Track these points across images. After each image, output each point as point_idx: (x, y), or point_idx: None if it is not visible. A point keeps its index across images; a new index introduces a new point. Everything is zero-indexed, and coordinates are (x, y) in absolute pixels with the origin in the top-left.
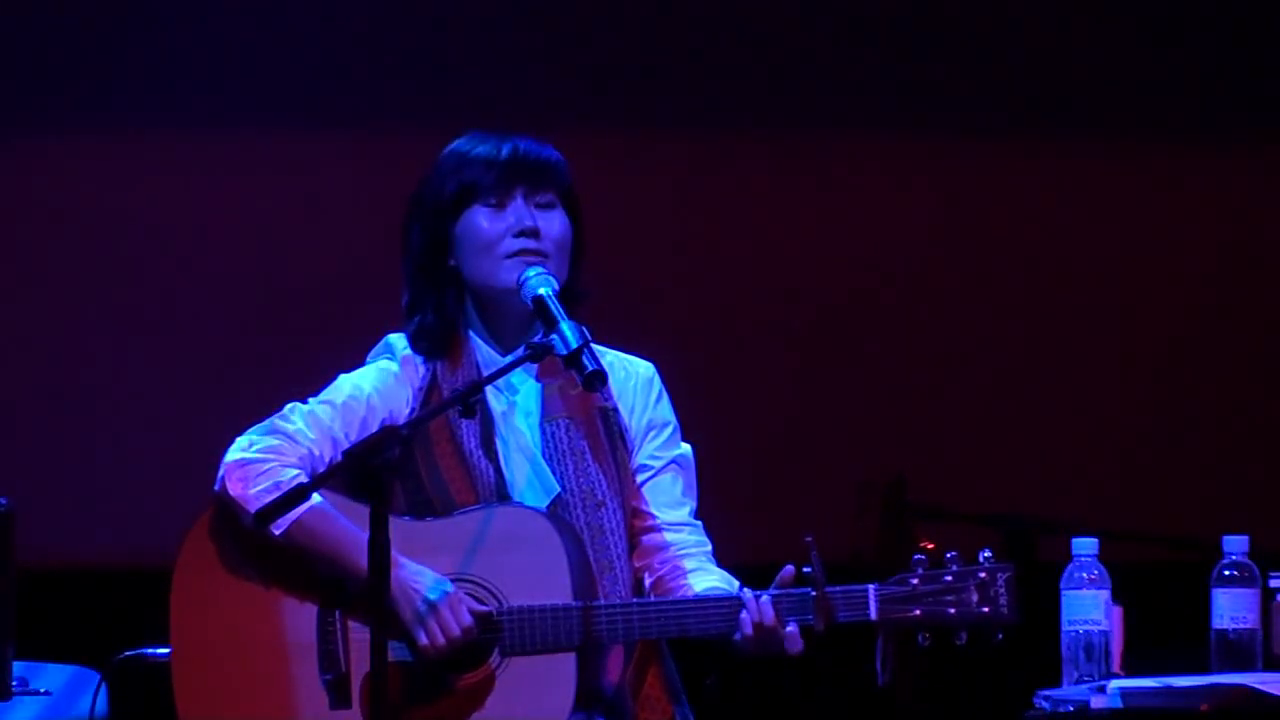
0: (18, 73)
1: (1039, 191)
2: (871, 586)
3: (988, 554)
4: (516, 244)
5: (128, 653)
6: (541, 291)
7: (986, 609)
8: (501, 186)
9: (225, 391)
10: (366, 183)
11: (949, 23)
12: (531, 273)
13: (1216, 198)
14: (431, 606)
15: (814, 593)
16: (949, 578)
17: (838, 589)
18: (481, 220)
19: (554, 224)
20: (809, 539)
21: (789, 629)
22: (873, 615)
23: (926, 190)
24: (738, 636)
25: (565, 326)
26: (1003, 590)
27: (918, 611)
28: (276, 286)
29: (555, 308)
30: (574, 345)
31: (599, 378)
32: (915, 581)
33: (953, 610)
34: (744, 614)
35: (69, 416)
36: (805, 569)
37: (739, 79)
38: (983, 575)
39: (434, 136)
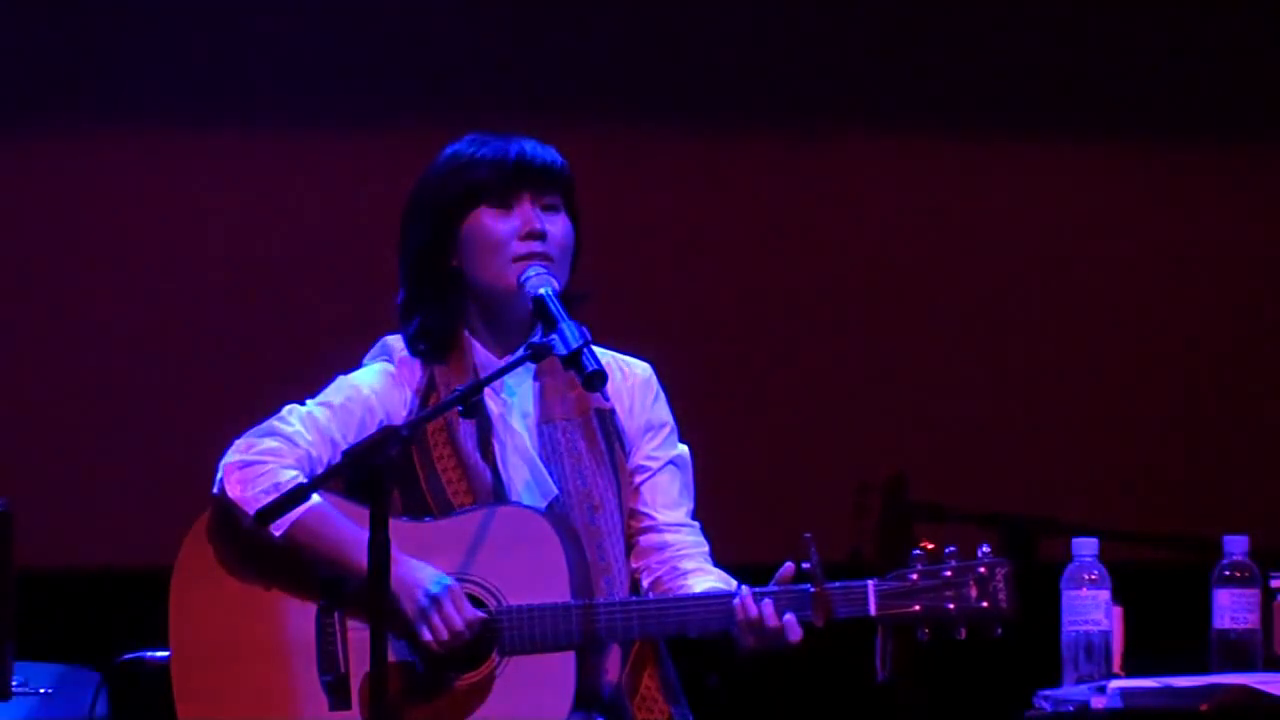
0: (17, 71)
1: (1040, 192)
2: (870, 582)
3: (986, 549)
4: (524, 247)
5: (127, 655)
6: (542, 291)
7: (985, 604)
8: (509, 188)
9: (224, 392)
10: (365, 184)
11: (950, 23)
12: (532, 273)
13: (1218, 199)
14: (433, 600)
15: (813, 589)
16: (948, 573)
17: (837, 585)
18: (489, 221)
19: (559, 227)
20: (807, 536)
21: (786, 618)
22: (872, 611)
23: (927, 190)
24: (737, 633)
25: (566, 327)
26: (1001, 585)
27: (917, 607)
28: (275, 287)
29: (555, 308)
30: (574, 345)
31: (599, 378)
32: (914, 577)
33: (952, 605)
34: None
35: (69, 417)
36: (804, 565)
37: (739, 78)
38: (981, 570)
39: (434, 136)
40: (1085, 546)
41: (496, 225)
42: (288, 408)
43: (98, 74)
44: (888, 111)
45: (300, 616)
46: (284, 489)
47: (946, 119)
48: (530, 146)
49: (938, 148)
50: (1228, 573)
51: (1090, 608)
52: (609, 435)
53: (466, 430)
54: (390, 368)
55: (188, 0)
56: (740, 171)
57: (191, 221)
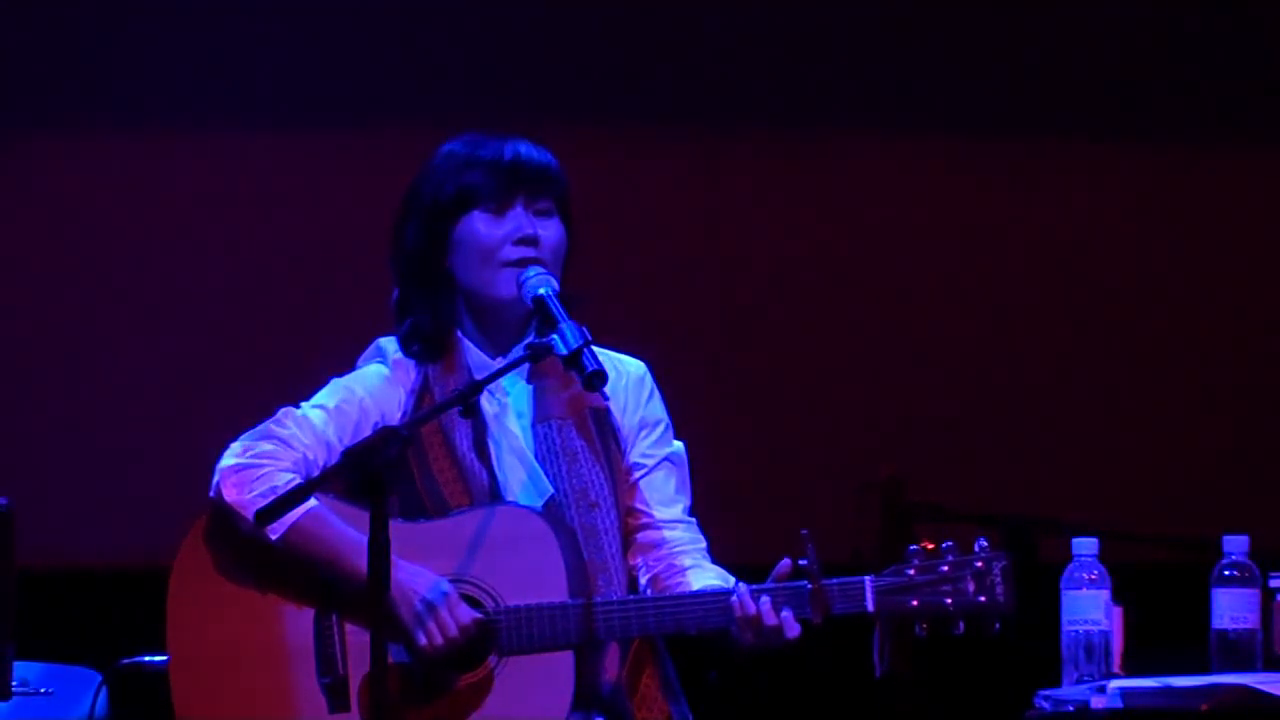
0: (16, 72)
1: (1040, 192)
2: (868, 578)
3: (983, 543)
4: (516, 252)
5: (127, 659)
6: (542, 291)
7: (983, 598)
8: (502, 193)
9: (224, 392)
10: (362, 185)
11: (949, 23)
12: (532, 272)
13: (1219, 199)
14: (430, 607)
15: (810, 586)
16: (945, 568)
17: (834, 581)
18: (481, 226)
19: (551, 231)
20: (804, 533)
21: (783, 615)
22: (869, 607)
23: (927, 190)
24: (735, 630)
25: (566, 326)
26: (999, 579)
27: (915, 602)
28: (271, 288)
29: (556, 307)
30: (575, 345)
31: (600, 378)
32: (911, 572)
33: (949, 600)
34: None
35: (69, 416)
36: (801, 562)
37: (739, 79)
38: (979, 565)
39: (430, 137)
40: (1085, 546)
41: (489, 230)
42: (283, 411)
43: (95, 74)
44: (888, 112)
45: (298, 619)
46: (281, 492)
47: (946, 120)
48: (525, 149)
49: (938, 148)
50: (1228, 573)
51: (1090, 608)
52: (604, 433)
53: (462, 431)
54: (384, 369)
55: (186, 0)
56: (739, 172)
57: (189, 222)
